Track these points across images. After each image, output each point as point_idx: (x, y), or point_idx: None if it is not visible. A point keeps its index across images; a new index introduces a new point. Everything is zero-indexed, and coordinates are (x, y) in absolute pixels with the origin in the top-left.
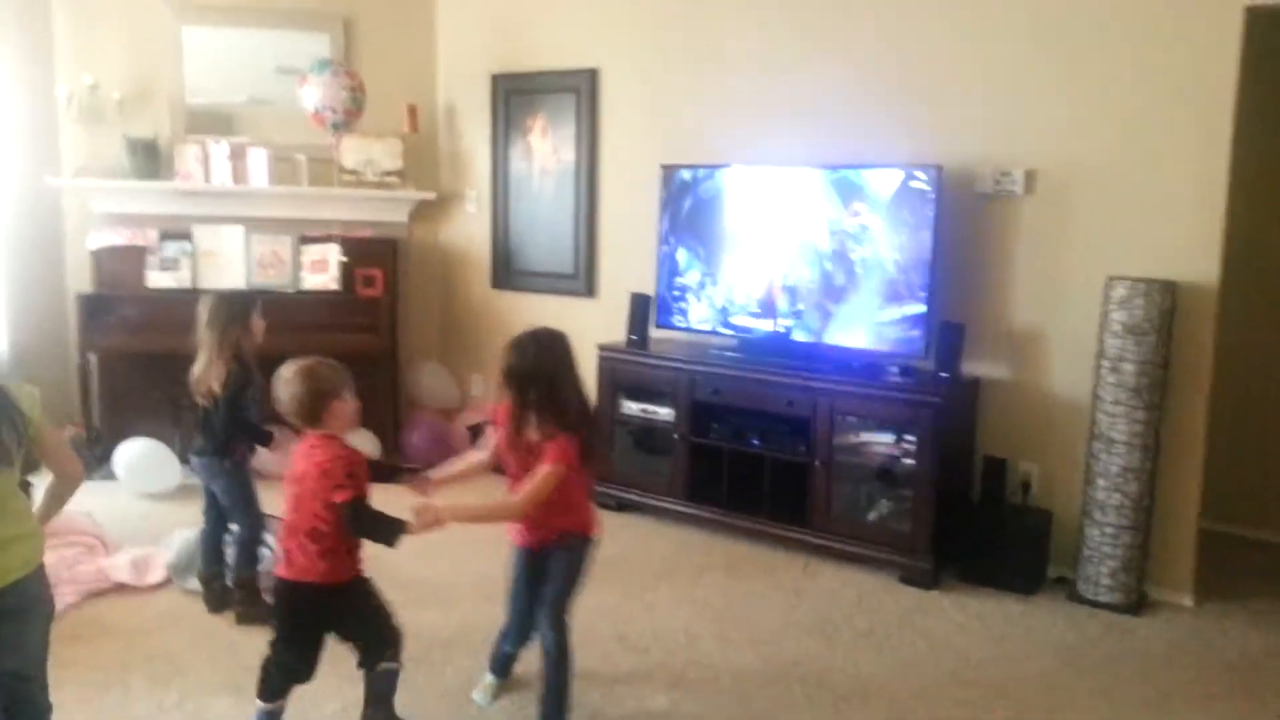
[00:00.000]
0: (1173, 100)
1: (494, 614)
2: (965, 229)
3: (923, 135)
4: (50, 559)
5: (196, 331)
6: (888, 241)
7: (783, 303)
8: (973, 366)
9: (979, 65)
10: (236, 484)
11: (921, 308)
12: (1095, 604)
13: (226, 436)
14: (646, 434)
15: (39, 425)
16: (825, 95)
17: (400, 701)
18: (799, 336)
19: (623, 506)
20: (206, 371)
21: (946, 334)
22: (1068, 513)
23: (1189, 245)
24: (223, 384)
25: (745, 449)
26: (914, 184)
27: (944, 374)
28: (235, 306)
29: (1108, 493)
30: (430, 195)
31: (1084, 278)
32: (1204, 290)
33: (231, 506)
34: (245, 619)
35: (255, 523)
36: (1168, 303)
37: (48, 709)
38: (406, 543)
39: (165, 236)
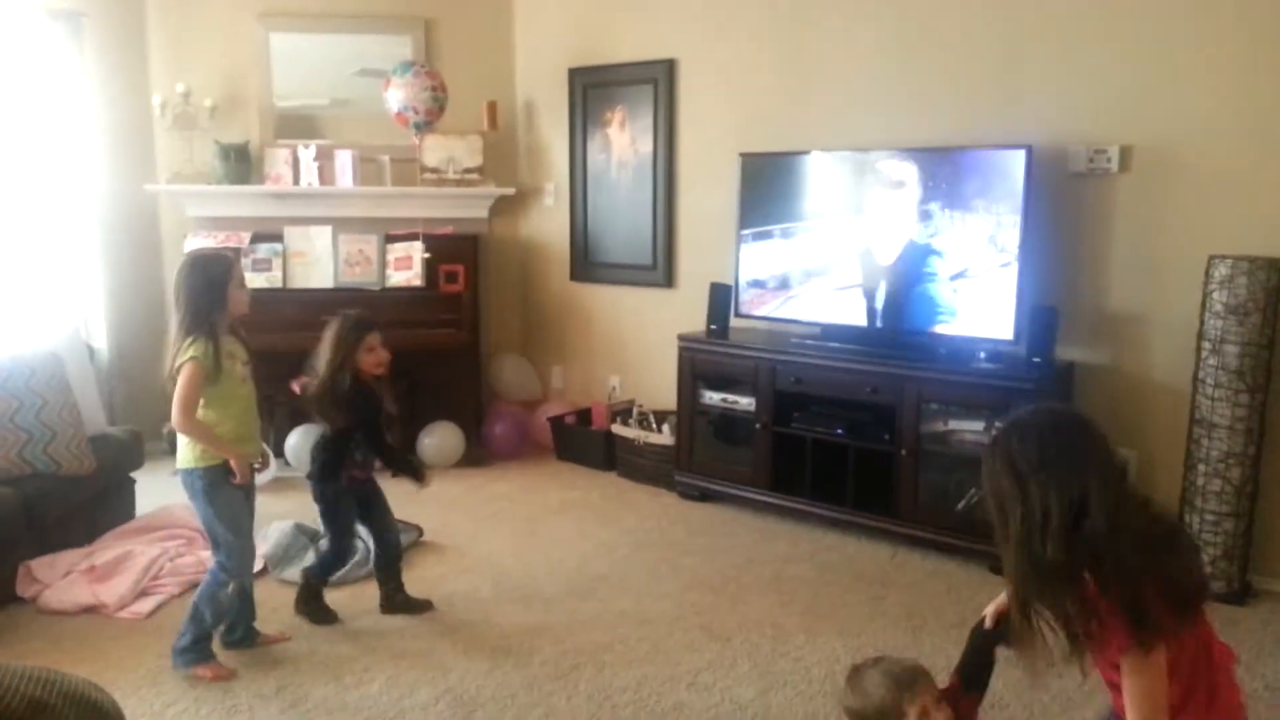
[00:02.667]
0: (1273, 68)
1: (577, 608)
2: (1058, 210)
3: (1013, 115)
4: (153, 551)
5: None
6: (977, 225)
7: (867, 289)
8: (1067, 351)
9: (1069, 41)
10: (327, 512)
11: (1012, 292)
12: None
13: (319, 462)
14: (728, 424)
15: (179, 373)
16: (909, 78)
17: (487, 687)
18: (883, 323)
19: (705, 497)
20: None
21: (1039, 318)
22: (1167, 500)
23: None
24: (316, 408)
25: (828, 438)
26: (1004, 166)
27: (1036, 359)
28: (341, 332)
29: (1208, 479)
30: (510, 190)
31: (1184, 257)
32: None
33: (324, 529)
34: (301, 612)
35: (340, 552)
36: (1272, 281)
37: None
38: (500, 542)
39: (257, 238)
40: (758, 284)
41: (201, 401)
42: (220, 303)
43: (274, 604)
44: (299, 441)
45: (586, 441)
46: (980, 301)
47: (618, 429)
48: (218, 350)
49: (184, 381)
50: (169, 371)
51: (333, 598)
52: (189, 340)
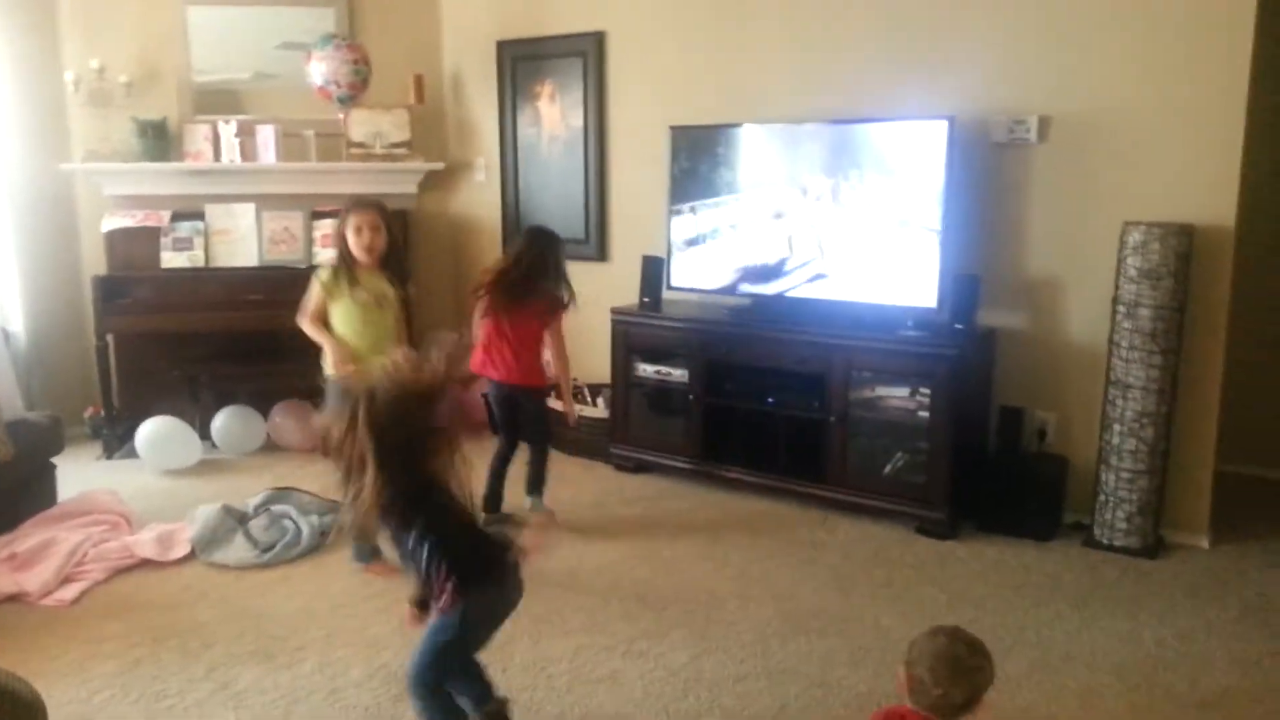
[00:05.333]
0: (1188, 41)
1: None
2: (979, 179)
3: (935, 86)
4: (76, 538)
5: None
6: (900, 195)
7: (795, 260)
8: (988, 316)
9: (990, 13)
10: None
11: (935, 260)
12: (1111, 549)
13: None
14: (661, 395)
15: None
16: (835, 50)
17: None
18: (811, 293)
19: (640, 468)
20: None
21: (961, 285)
22: (1084, 459)
23: (1206, 188)
24: None
25: (760, 407)
26: (926, 136)
27: (959, 325)
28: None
29: (1124, 438)
30: (439, 165)
31: (1100, 224)
32: (1221, 233)
33: None
34: None
35: None
36: (1184, 246)
37: None
38: None
39: (178, 217)
40: (689, 256)
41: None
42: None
43: (202, 588)
44: (224, 423)
45: None
46: (905, 270)
47: (552, 403)
48: (343, 277)
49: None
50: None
51: (264, 579)
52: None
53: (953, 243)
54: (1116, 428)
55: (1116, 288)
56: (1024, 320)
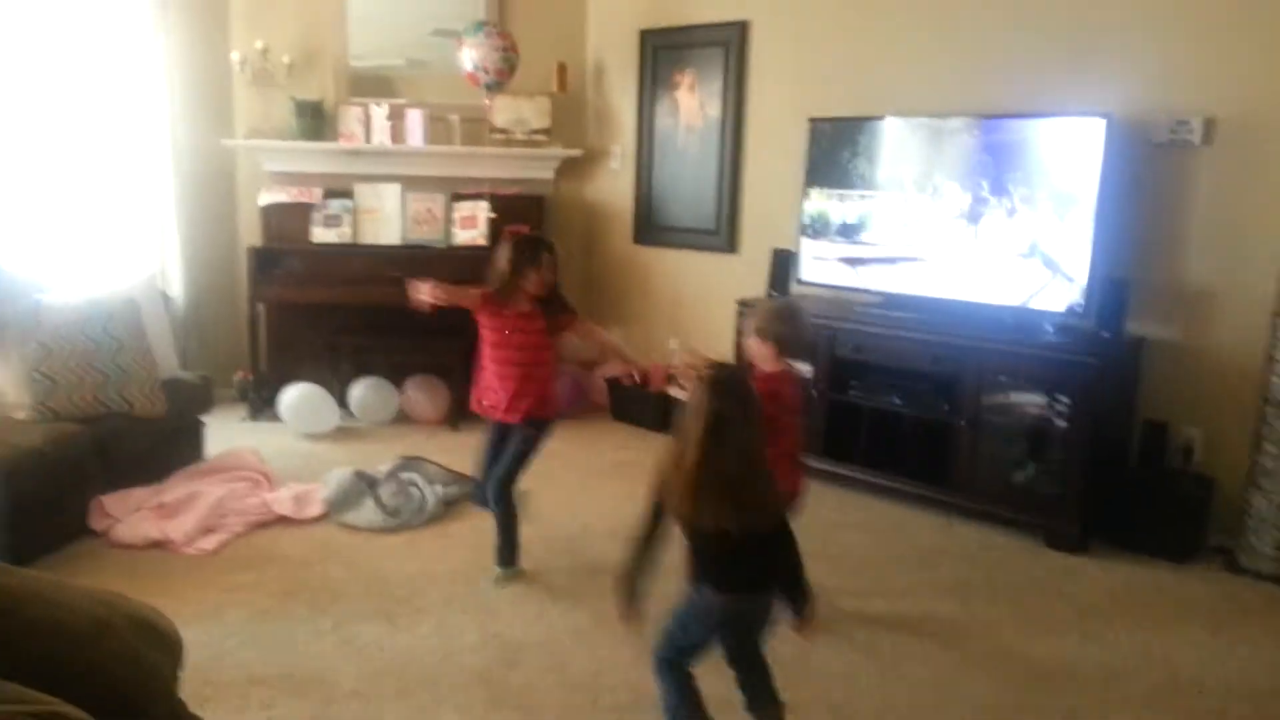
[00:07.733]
0: None
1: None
2: (1136, 181)
3: (1091, 82)
4: (219, 491)
5: None
6: (1051, 195)
7: (931, 258)
8: (1137, 325)
9: (1151, 6)
10: None
11: (1084, 264)
12: (1257, 575)
13: None
14: None
15: None
16: (985, 42)
17: (534, 632)
18: (949, 293)
19: None
20: None
21: (1110, 291)
22: (1232, 480)
23: None
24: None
25: (886, 407)
26: (1080, 134)
27: (1105, 333)
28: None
29: (1278, 460)
30: (577, 152)
31: (1263, 233)
32: None
33: None
34: None
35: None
36: None
37: None
38: (553, 497)
39: (329, 194)
40: (821, 250)
41: None
42: None
43: (332, 547)
44: (361, 393)
45: (642, 402)
46: (1050, 273)
47: (674, 391)
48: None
49: None
50: None
51: (390, 543)
52: None
53: (1104, 246)
54: (1270, 448)
55: (1279, 301)
56: (1174, 331)
